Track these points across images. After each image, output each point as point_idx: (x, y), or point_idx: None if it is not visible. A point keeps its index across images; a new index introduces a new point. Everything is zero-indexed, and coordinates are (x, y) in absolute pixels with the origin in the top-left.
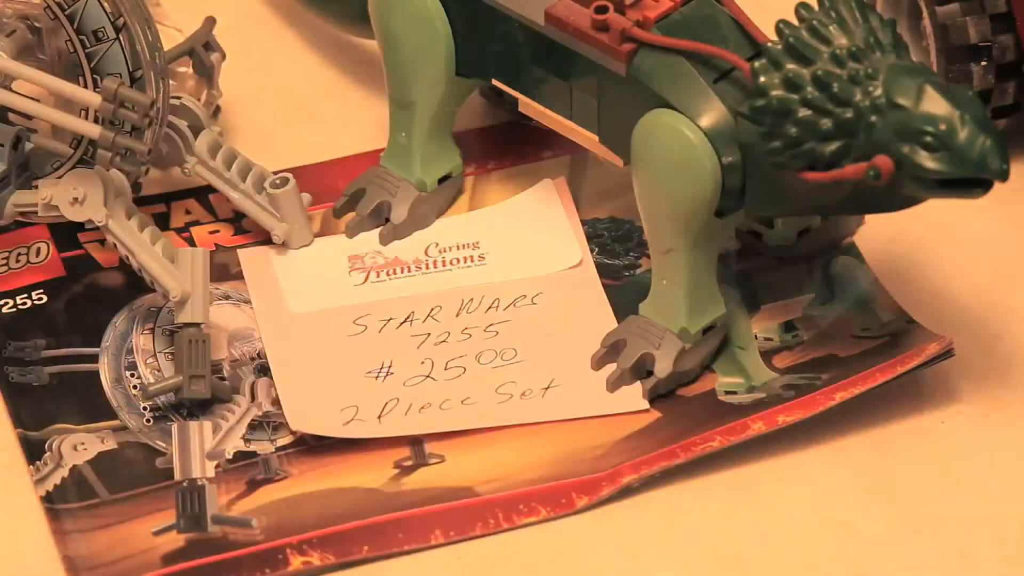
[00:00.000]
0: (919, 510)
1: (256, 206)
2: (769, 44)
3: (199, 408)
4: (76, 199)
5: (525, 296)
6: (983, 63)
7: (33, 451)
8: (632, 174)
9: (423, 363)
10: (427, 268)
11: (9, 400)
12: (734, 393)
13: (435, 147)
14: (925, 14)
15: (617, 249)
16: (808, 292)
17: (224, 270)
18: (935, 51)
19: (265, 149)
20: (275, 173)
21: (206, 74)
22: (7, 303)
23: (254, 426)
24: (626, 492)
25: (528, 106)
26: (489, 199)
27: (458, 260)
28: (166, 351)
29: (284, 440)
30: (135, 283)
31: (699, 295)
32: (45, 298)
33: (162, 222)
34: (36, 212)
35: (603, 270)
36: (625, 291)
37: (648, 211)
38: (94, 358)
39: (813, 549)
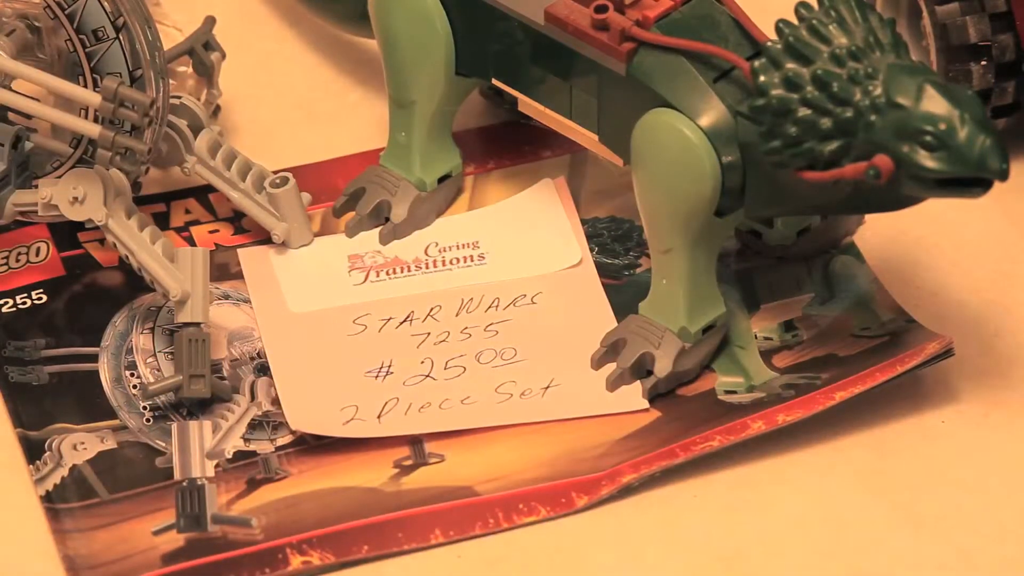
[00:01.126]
0: (919, 509)
1: (256, 205)
2: (769, 43)
3: (199, 408)
4: (76, 198)
5: (525, 295)
6: (983, 63)
7: (33, 451)
8: (632, 173)
9: (423, 363)
10: (427, 268)
11: (9, 400)
12: (734, 392)
13: (435, 146)
14: (925, 14)
15: (617, 248)
16: (808, 291)
17: (224, 269)
18: (935, 51)
19: (265, 149)
20: (275, 173)
21: (206, 74)
22: (7, 303)
23: (254, 425)
24: (626, 492)
25: (528, 105)
26: (489, 199)
27: (458, 260)
28: (166, 350)
29: (284, 440)
30: (135, 283)
31: (699, 294)
32: (45, 298)
33: (162, 221)
34: (36, 211)
35: (603, 269)
36: (625, 291)
37: (648, 210)
38: (94, 358)
39: (813, 548)
